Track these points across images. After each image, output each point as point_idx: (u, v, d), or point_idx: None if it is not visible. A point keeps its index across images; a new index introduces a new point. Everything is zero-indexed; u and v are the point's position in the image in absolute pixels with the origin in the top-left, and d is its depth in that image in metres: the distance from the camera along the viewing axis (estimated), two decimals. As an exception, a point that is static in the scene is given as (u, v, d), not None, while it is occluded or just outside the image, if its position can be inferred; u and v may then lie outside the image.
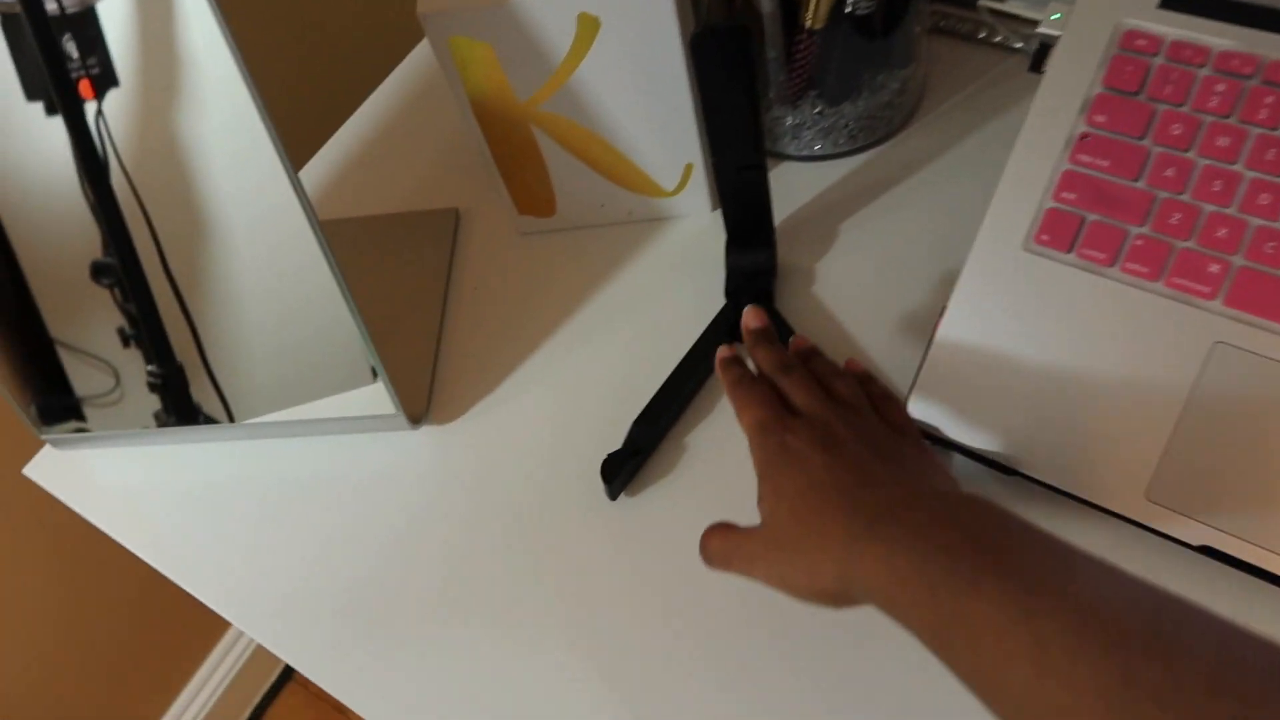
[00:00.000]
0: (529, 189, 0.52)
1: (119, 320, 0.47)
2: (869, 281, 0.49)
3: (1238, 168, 0.38)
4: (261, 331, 0.46)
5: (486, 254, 0.55)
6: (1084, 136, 0.40)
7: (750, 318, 0.42)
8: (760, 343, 0.41)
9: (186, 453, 0.51)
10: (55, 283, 0.46)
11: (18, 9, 0.39)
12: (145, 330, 0.47)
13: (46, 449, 0.52)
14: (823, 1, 0.46)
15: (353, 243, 0.56)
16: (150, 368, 0.48)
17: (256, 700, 1.22)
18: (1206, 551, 0.37)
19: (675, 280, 0.52)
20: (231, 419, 0.48)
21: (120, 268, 0.45)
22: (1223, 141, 0.38)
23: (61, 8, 0.39)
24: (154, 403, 0.49)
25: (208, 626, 1.15)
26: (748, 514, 0.43)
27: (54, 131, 0.42)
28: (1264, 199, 0.38)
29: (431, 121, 0.62)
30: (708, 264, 0.51)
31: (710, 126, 0.42)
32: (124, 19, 0.39)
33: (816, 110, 0.52)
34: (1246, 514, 0.36)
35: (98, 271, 0.46)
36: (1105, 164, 0.40)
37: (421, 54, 0.66)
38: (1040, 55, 0.42)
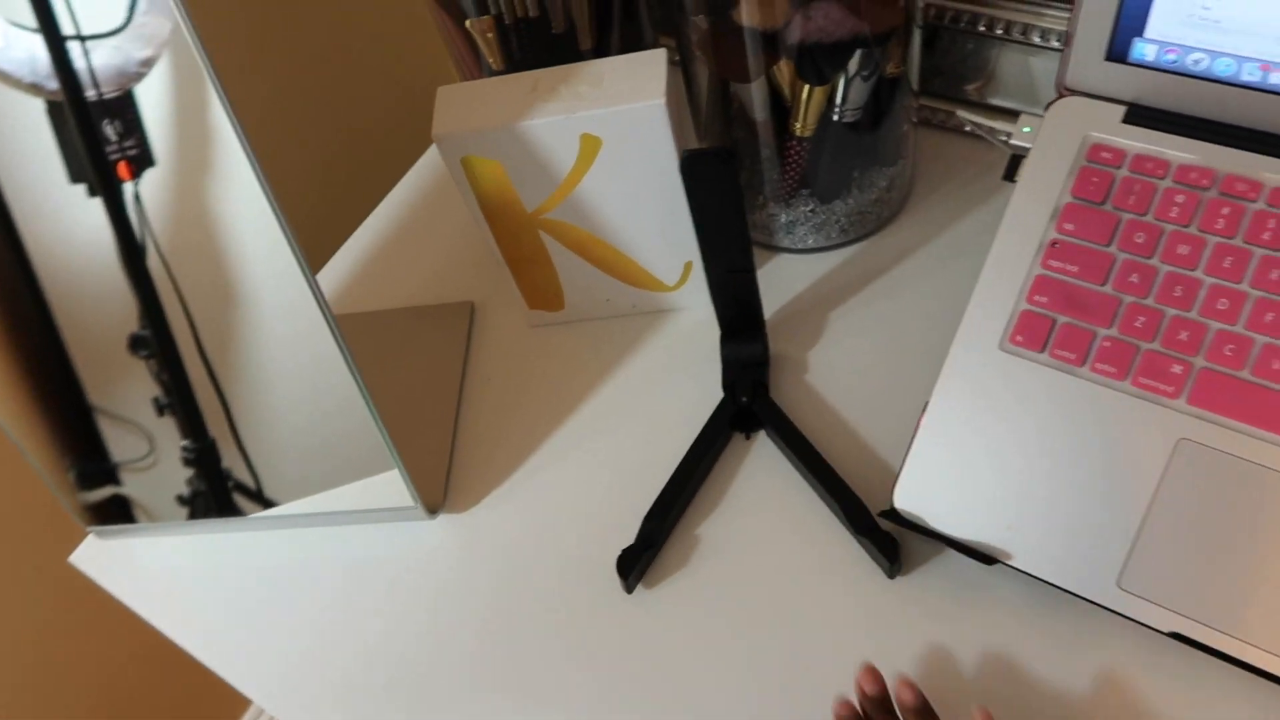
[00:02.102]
0: (538, 286, 0.55)
1: (154, 390, 0.49)
2: (860, 369, 0.52)
3: (1197, 274, 0.41)
4: (288, 410, 0.48)
5: (500, 346, 0.58)
6: (1054, 243, 0.43)
7: (904, 693, 0.38)
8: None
9: (217, 540, 0.54)
10: (94, 353, 0.49)
11: (61, 97, 0.42)
12: (179, 403, 0.50)
13: (91, 538, 0.55)
14: (810, 112, 0.49)
15: (373, 335, 0.59)
16: (184, 442, 0.51)
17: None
18: (1176, 637, 0.39)
19: (678, 369, 0.54)
20: (261, 492, 0.51)
21: (154, 340, 0.48)
22: (1183, 249, 0.41)
23: (100, 94, 0.41)
24: (187, 471, 0.52)
25: (231, 704, 1.19)
26: (762, 606, 0.45)
27: (95, 211, 0.44)
28: (1222, 304, 0.40)
29: (446, 219, 0.65)
30: (707, 355, 0.54)
31: (701, 235, 0.46)
32: (160, 100, 0.41)
33: (809, 208, 0.55)
34: (1214, 602, 0.38)
35: (135, 343, 0.48)
36: (1074, 269, 0.42)
37: (435, 156, 0.70)
38: (1013, 165, 0.45)
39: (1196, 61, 0.40)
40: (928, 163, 0.59)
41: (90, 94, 0.41)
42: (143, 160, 0.43)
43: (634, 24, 0.59)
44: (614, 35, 0.57)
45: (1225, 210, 0.41)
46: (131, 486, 0.53)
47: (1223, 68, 0.40)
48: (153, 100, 0.41)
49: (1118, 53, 0.42)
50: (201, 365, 0.48)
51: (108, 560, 0.54)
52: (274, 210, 0.42)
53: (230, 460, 0.51)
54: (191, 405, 0.50)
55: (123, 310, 0.47)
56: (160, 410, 0.50)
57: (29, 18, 0.40)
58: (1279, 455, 0.38)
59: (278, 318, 0.46)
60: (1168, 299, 0.41)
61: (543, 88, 0.46)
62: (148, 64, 0.40)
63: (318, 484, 0.51)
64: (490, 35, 0.54)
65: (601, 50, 0.56)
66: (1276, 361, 0.39)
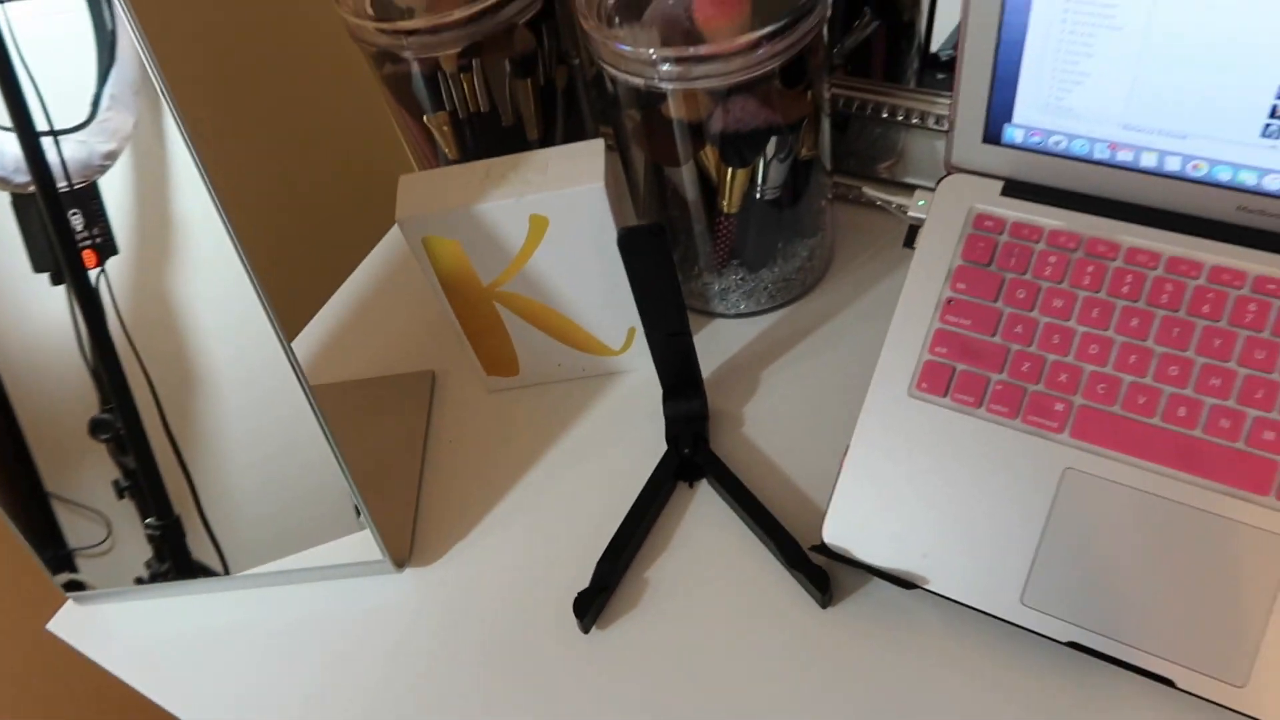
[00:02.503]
0: (494, 354, 0.59)
1: (114, 474, 0.51)
2: (791, 420, 0.57)
3: (1071, 324, 0.47)
4: (254, 484, 0.51)
5: (460, 410, 0.62)
6: (950, 301, 0.49)
7: None
8: None
9: (192, 602, 0.56)
10: (52, 439, 0.50)
11: (27, 189, 0.44)
12: (145, 482, 0.51)
13: (69, 604, 0.58)
14: (735, 191, 0.55)
15: (341, 404, 0.63)
16: (149, 520, 0.52)
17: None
18: (1074, 646, 0.44)
19: (626, 426, 0.59)
20: (226, 568, 0.53)
21: (119, 423, 0.49)
22: (1058, 303, 0.47)
23: (71, 184, 0.43)
24: (145, 552, 0.53)
25: None
26: (708, 641, 0.49)
27: (58, 300, 0.46)
28: (1093, 349, 0.46)
29: (407, 294, 0.70)
30: (652, 410, 0.59)
31: (640, 303, 0.51)
32: (123, 191, 0.43)
33: (739, 276, 0.60)
34: (1105, 613, 0.43)
35: (95, 427, 0.50)
36: (968, 323, 0.48)
37: (396, 236, 0.75)
38: (911, 234, 0.51)
39: (1057, 142, 0.47)
40: (846, 234, 0.66)
41: (60, 185, 0.43)
42: (107, 248, 0.45)
43: (576, 117, 0.65)
44: (558, 127, 0.63)
45: (1090, 268, 0.47)
46: (87, 572, 0.54)
47: (1079, 147, 0.47)
48: (116, 191, 0.43)
49: (992, 135, 0.48)
50: (169, 445, 0.50)
51: (86, 626, 0.57)
52: (255, 288, 0.45)
53: (194, 535, 0.53)
54: (158, 485, 0.51)
55: (83, 396, 0.48)
56: (120, 494, 0.52)
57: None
58: (1149, 479, 0.44)
59: (244, 392, 0.48)
60: (1048, 346, 0.47)
61: (495, 174, 0.51)
62: (111, 157, 0.43)
63: (287, 549, 0.54)
64: (446, 129, 0.60)
65: (548, 141, 0.62)
66: (1141, 397, 0.45)
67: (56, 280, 0.46)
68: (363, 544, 0.53)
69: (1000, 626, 0.46)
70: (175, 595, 0.56)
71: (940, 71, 0.62)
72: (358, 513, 0.51)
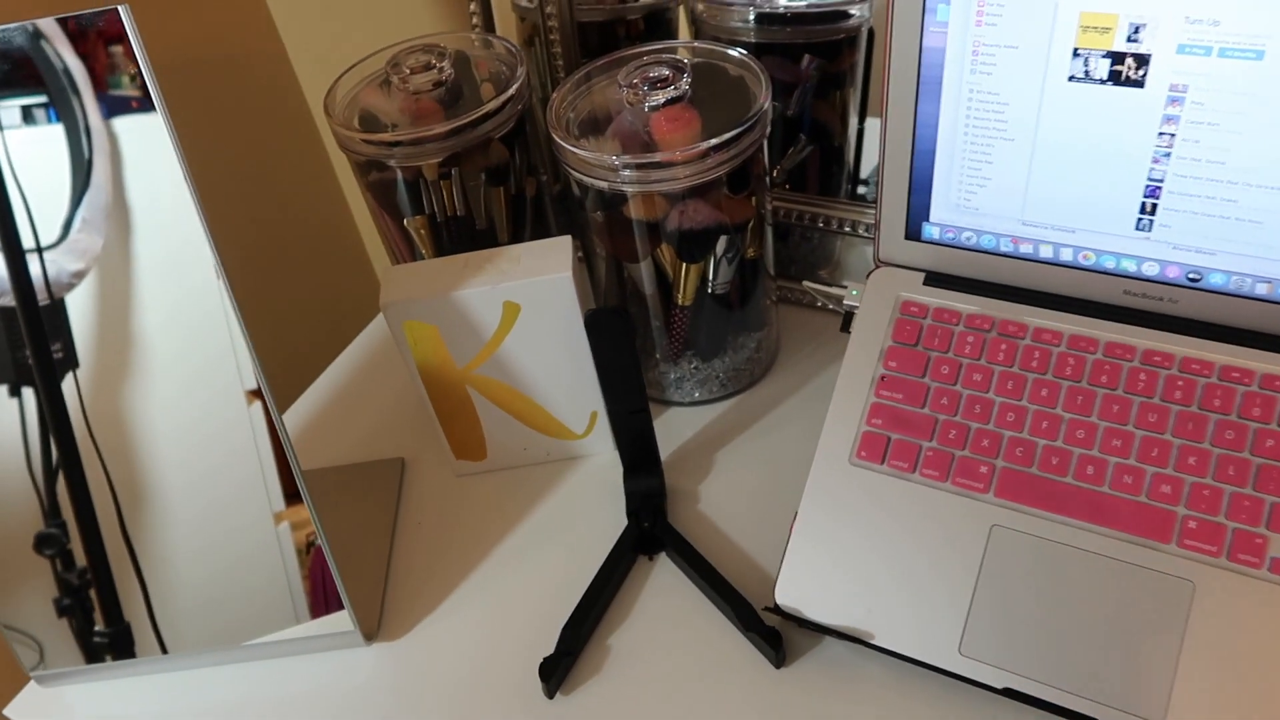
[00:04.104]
0: (464, 437, 0.63)
1: (54, 591, 0.50)
2: (744, 496, 0.61)
3: (990, 395, 0.52)
4: (210, 579, 0.51)
5: (429, 493, 0.65)
6: (883, 377, 0.54)
7: None
8: None
9: (160, 682, 0.57)
10: None
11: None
12: (97, 590, 0.51)
13: (30, 685, 0.58)
14: (689, 284, 0.61)
15: (317, 488, 0.66)
16: (98, 628, 0.52)
17: None
18: (1009, 693, 0.47)
19: (587, 506, 0.62)
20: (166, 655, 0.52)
21: (67, 536, 0.49)
22: (976, 377, 0.53)
23: (52, 298, 0.45)
24: (79, 663, 0.52)
25: None
26: (669, 704, 0.52)
27: (8, 412, 0.46)
28: (1010, 416, 0.51)
29: (386, 383, 0.74)
30: (612, 491, 0.63)
31: (603, 381, 0.55)
32: (87, 308, 0.45)
33: (693, 365, 0.66)
34: (1037, 659, 0.47)
35: (41, 542, 0.49)
36: (899, 396, 0.54)
37: (372, 331, 0.80)
38: (847, 320, 0.57)
39: (968, 237, 0.54)
40: (790, 330, 0.72)
41: (42, 299, 0.44)
42: (68, 362, 0.46)
43: (543, 224, 0.71)
44: (526, 232, 0.69)
45: (1003, 346, 0.53)
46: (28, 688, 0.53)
47: (987, 241, 0.54)
48: (79, 308, 0.45)
49: (913, 233, 0.55)
50: (125, 551, 0.50)
51: (45, 710, 0.57)
52: (256, 365, 0.48)
53: (142, 638, 0.53)
54: (111, 593, 0.51)
55: (27, 510, 0.49)
56: (60, 612, 0.51)
57: None
58: (1068, 533, 0.48)
59: (212, 487, 0.49)
60: (970, 415, 0.52)
61: (473, 265, 0.57)
62: (79, 276, 0.45)
63: (245, 633, 0.54)
64: (424, 231, 0.65)
65: (516, 243, 0.68)
66: (1054, 458, 0.50)
67: (13, 392, 0.47)
68: (337, 619, 0.54)
69: (941, 678, 0.49)
70: (139, 674, 0.57)
71: (867, 189, 0.70)
72: (308, 594, 0.53)
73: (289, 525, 0.52)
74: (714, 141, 0.54)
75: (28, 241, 0.46)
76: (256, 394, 0.49)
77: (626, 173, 0.55)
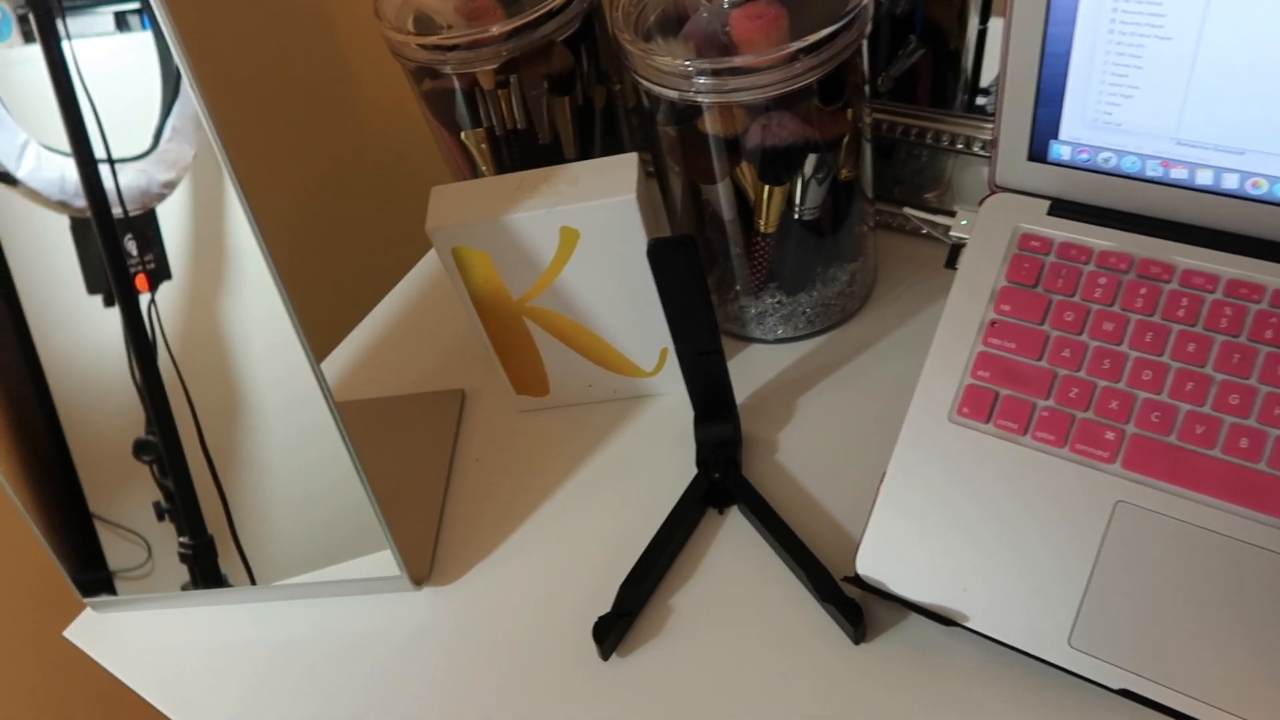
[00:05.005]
0: (524, 373, 0.59)
1: (156, 495, 0.52)
2: (826, 449, 0.55)
3: (1122, 348, 0.44)
4: (285, 503, 0.51)
5: (488, 430, 0.61)
6: (993, 323, 0.47)
7: None
8: None
9: (210, 614, 0.56)
10: (98, 459, 0.51)
11: (86, 214, 0.45)
12: (180, 503, 0.52)
13: (87, 611, 0.57)
14: (772, 210, 0.54)
15: (371, 421, 0.63)
16: (183, 539, 0.53)
17: None
18: (1125, 694, 0.40)
19: (654, 451, 0.57)
20: (254, 583, 0.54)
21: (161, 444, 0.51)
22: (1108, 326, 0.45)
23: (125, 212, 0.44)
24: (183, 573, 0.54)
25: None
26: (733, 674, 0.47)
27: (110, 321, 0.47)
28: (1146, 375, 0.43)
29: (442, 316, 0.70)
30: (684, 435, 0.57)
31: (670, 319, 0.49)
32: (179, 219, 0.44)
33: (776, 300, 0.59)
34: (1160, 659, 0.40)
35: (139, 449, 0.50)
36: (1012, 346, 0.46)
37: (432, 259, 0.75)
38: (954, 254, 0.49)
39: (1106, 159, 0.45)
40: (889, 261, 0.64)
41: (116, 211, 0.45)
42: (160, 274, 0.46)
43: (615, 140, 0.65)
44: (596, 148, 0.63)
45: (1143, 291, 0.44)
46: (125, 591, 0.54)
47: (1129, 164, 0.45)
48: (172, 219, 0.44)
49: (1037, 153, 0.47)
50: (206, 466, 0.50)
51: (102, 634, 0.56)
52: (287, 307, 0.45)
53: (225, 552, 0.53)
54: (194, 506, 0.51)
55: (129, 417, 0.49)
56: (161, 515, 0.52)
57: (60, 142, 0.43)
58: (1208, 515, 0.41)
59: (283, 412, 0.48)
60: (1097, 371, 0.44)
61: (526, 186, 0.51)
62: (169, 186, 0.44)
63: (309, 564, 0.53)
64: (483, 145, 0.60)
65: (584, 159, 0.62)
66: (1199, 427, 0.42)
67: (109, 302, 0.47)
68: (382, 561, 0.52)
69: (1045, 670, 0.42)
70: (190, 606, 0.56)
71: (988, 100, 0.61)
72: (379, 532, 0.50)
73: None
74: (803, 43, 0.47)
75: (118, 150, 0.44)
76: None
77: (701, 80, 0.48)
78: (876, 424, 0.55)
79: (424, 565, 0.55)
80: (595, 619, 0.49)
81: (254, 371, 0.48)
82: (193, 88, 0.41)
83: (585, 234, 0.51)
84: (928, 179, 0.65)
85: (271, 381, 0.48)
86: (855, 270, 0.59)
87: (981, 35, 0.59)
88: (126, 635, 0.56)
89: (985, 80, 0.61)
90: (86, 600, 0.56)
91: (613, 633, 0.49)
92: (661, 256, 0.46)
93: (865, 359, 0.59)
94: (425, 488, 0.58)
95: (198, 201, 0.44)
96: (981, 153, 0.60)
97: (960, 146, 0.60)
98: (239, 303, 0.46)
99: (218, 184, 0.44)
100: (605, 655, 0.49)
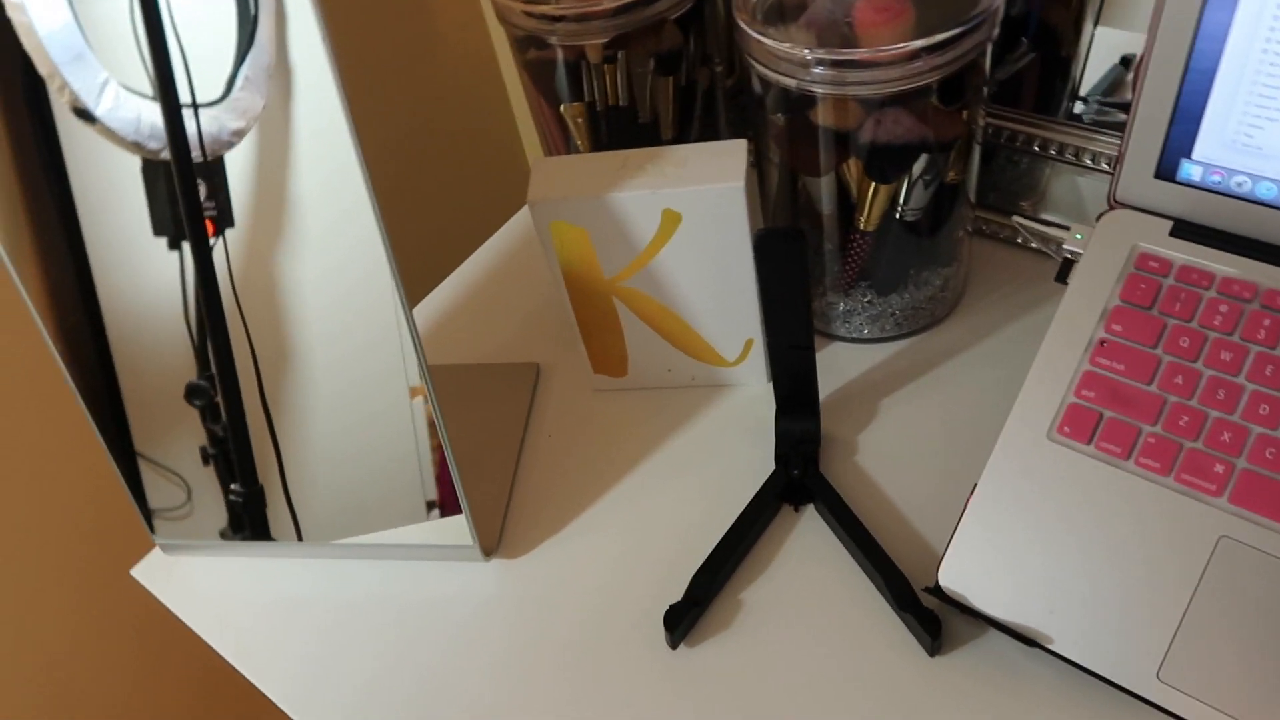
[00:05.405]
0: (605, 351, 0.58)
1: (202, 440, 0.52)
2: (907, 455, 0.54)
3: (1240, 380, 0.43)
4: (343, 460, 0.51)
5: (561, 406, 0.61)
6: (1102, 342, 0.46)
7: None
8: None
9: (270, 565, 0.56)
10: (148, 400, 0.51)
11: (158, 155, 0.45)
12: (234, 449, 0.52)
13: (155, 552, 0.58)
14: (875, 208, 0.53)
15: (443, 387, 0.62)
16: (233, 486, 0.53)
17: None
18: (1215, 734, 0.39)
19: (730, 442, 0.57)
20: (300, 537, 0.53)
21: (215, 390, 0.50)
22: (1226, 356, 0.43)
23: (205, 156, 0.44)
24: (220, 519, 0.54)
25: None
26: (801, 673, 0.46)
27: (170, 264, 0.47)
28: (1263, 409, 0.42)
29: (518, 288, 0.69)
30: (759, 430, 0.57)
31: (767, 311, 0.49)
32: (245, 168, 0.44)
33: (866, 299, 0.58)
34: (1253, 700, 0.39)
35: (191, 392, 0.50)
36: (1121, 368, 0.45)
37: (510, 229, 0.75)
38: (1065, 269, 0.48)
39: (1240, 184, 0.44)
40: (980, 269, 0.63)
41: (194, 155, 0.44)
42: (224, 220, 0.46)
43: (711, 123, 0.64)
44: (693, 130, 0.62)
45: (1266, 322, 0.43)
46: (162, 531, 0.55)
47: (1264, 190, 0.43)
48: (238, 167, 0.44)
49: (1166, 171, 0.45)
50: (263, 415, 0.50)
51: (168, 575, 0.57)
52: (391, 265, 0.44)
53: (275, 505, 0.53)
54: (247, 453, 0.51)
55: (182, 360, 0.49)
56: (206, 460, 0.52)
57: (139, 82, 0.43)
58: (1318, 558, 0.40)
59: (345, 367, 0.48)
60: (1211, 401, 0.43)
61: (631, 165, 0.50)
62: (238, 134, 0.44)
63: (365, 527, 0.53)
64: (581, 120, 0.59)
65: (681, 142, 0.61)
66: (1316, 467, 0.41)
67: (173, 245, 0.47)
68: (454, 528, 0.51)
69: (1127, 701, 0.42)
70: (259, 556, 0.56)
71: (1084, 108, 0.59)
72: (450, 497, 0.50)
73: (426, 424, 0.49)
74: (929, 41, 0.45)
75: (190, 95, 0.44)
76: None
77: (819, 70, 0.47)
78: (960, 434, 0.54)
79: (493, 536, 0.54)
80: (662, 606, 0.49)
81: (315, 324, 0.47)
82: (324, 41, 0.40)
83: (687, 218, 0.50)
84: (1024, 186, 0.64)
85: (337, 335, 0.47)
86: (949, 275, 0.58)
87: (1090, 41, 0.57)
88: (193, 579, 0.56)
89: (1084, 89, 0.59)
90: (157, 540, 0.56)
91: (684, 621, 0.48)
92: (768, 247, 0.45)
93: (950, 366, 0.58)
94: (497, 459, 0.58)
95: (264, 153, 0.44)
96: (1087, 164, 0.58)
97: (1070, 157, 0.58)
98: (302, 254, 0.46)
99: (284, 137, 0.43)
100: (675, 644, 0.48)
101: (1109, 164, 0.57)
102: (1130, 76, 0.57)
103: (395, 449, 0.50)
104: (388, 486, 0.51)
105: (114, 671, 1.00)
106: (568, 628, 0.50)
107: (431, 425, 0.49)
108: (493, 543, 0.54)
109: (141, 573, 0.58)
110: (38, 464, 0.87)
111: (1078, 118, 0.59)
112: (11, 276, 0.48)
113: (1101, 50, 0.57)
